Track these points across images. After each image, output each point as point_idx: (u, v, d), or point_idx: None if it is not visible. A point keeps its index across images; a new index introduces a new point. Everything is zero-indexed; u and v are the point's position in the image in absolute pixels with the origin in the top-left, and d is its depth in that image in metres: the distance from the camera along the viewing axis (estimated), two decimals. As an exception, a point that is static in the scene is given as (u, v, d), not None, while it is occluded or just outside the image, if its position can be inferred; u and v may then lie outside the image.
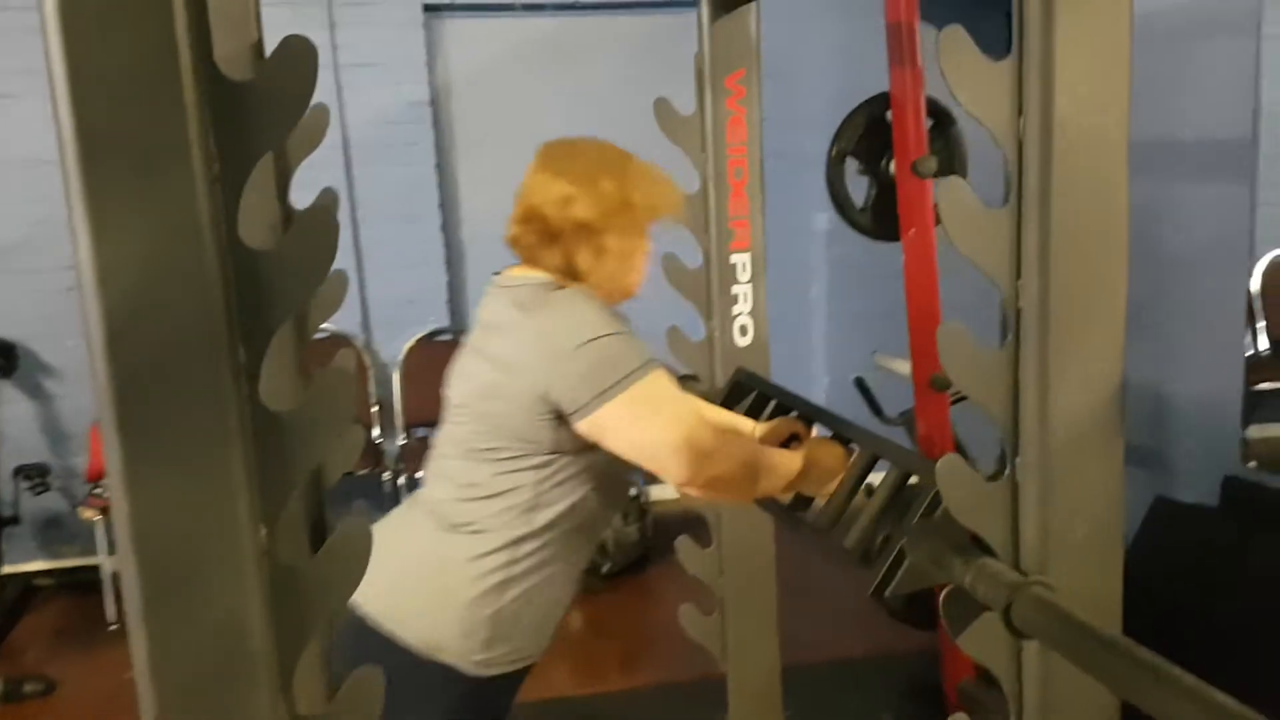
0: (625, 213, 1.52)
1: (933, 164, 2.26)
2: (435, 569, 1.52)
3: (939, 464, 1.15)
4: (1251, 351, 3.12)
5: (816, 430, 1.74)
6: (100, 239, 0.65)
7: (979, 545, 1.20)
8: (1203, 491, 2.56)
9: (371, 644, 1.46)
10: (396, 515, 1.66)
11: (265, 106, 0.73)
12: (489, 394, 1.51)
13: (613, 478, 1.58)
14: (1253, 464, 2.75)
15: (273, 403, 0.74)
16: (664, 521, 3.96)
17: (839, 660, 3.13)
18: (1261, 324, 3.23)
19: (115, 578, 3.49)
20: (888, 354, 2.68)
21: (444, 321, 4.47)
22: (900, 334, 2.50)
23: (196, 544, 0.72)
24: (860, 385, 2.94)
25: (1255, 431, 2.90)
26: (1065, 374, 1.13)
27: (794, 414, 1.78)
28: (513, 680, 1.57)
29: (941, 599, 1.16)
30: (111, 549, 3.46)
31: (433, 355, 4.43)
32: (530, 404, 1.46)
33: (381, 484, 4.15)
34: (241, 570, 0.74)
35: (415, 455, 4.19)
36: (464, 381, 1.58)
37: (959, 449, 2.48)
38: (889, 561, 1.30)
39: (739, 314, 2.19)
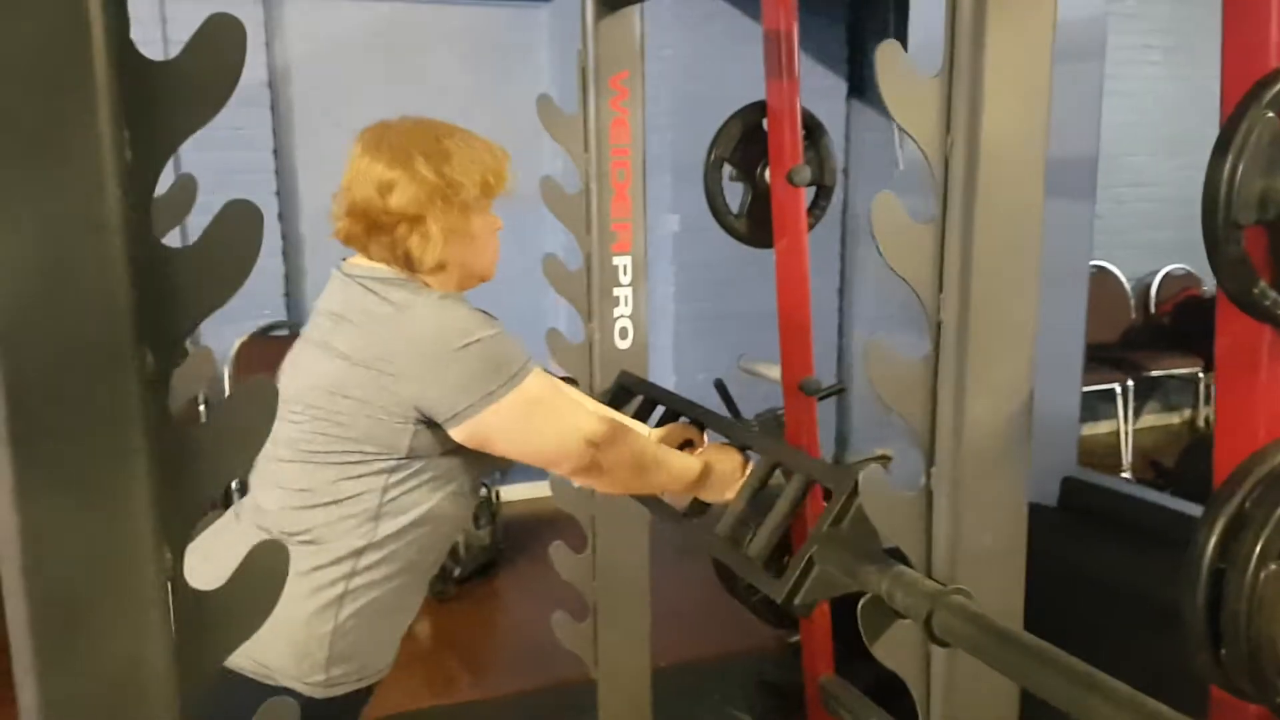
0: (450, 191, 1.42)
1: (807, 173, 2.31)
2: None
3: (862, 475, 1.17)
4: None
5: (708, 435, 1.74)
6: (-7, 232, 0.57)
7: (889, 553, 1.23)
8: (1042, 492, 2.72)
9: None
10: (219, 526, 1.52)
11: (187, 90, 0.66)
12: (335, 390, 1.38)
13: (469, 480, 1.51)
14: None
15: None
16: (515, 524, 3.90)
17: (693, 661, 3.16)
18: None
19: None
20: (752, 358, 2.72)
21: (280, 315, 4.26)
22: (748, 337, 2.54)
23: (96, 570, 0.64)
24: (720, 387, 2.97)
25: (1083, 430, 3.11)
26: (980, 386, 1.16)
27: (684, 420, 1.77)
28: (356, 700, 1.47)
29: (859, 607, 1.17)
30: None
31: (267, 351, 4.21)
32: (393, 409, 1.37)
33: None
34: (144, 600, 0.66)
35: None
36: (303, 376, 1.43)
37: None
38: (799, 570, 1.31)
39: (620, 316, 2.18)
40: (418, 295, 1.41)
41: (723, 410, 3.05)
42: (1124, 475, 4.84)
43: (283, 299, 4.27)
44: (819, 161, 2.43)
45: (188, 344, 3.63)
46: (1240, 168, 1.14)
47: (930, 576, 1.19)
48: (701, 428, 1.74)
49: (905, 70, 1.09)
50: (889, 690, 1.30)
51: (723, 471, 1.58)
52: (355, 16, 4.27)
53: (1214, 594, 1.22)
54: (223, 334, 4.18)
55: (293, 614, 1.38)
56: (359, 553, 1.41)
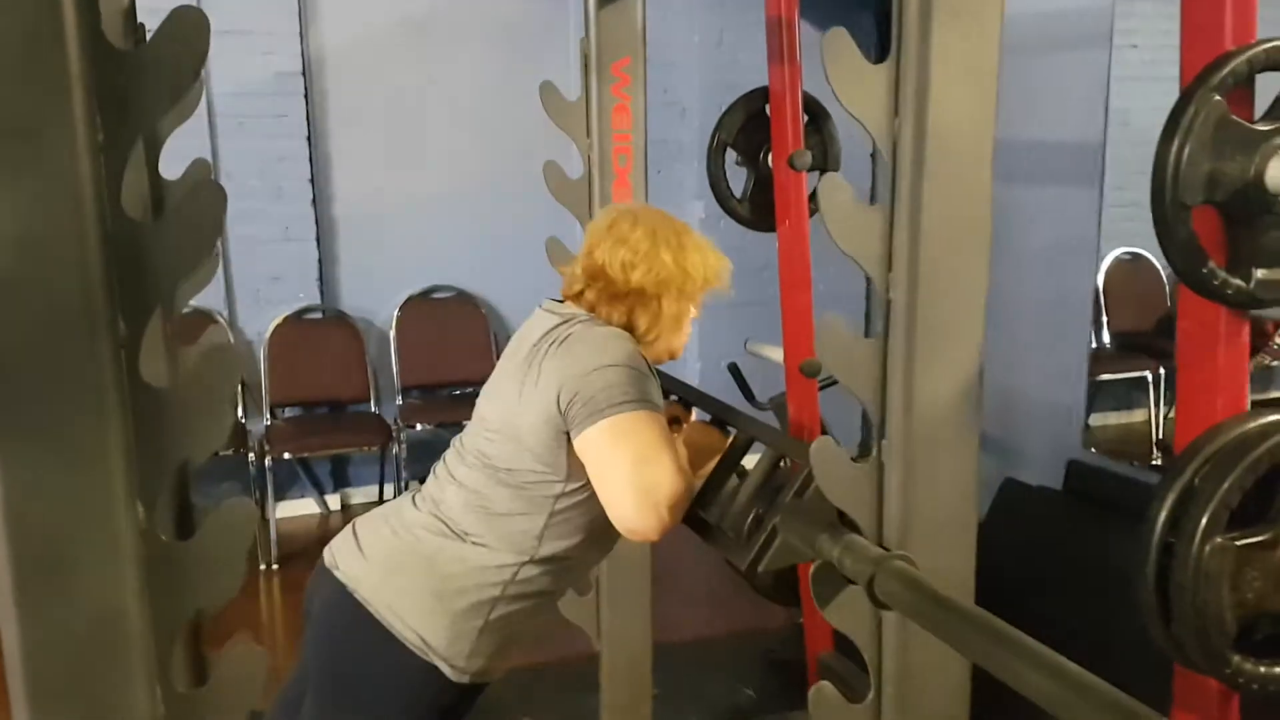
0: (681, 282, 1.61)
1: (808, 158, 2.35)
2: (437, 572, 1.54)
3: (812, 446, 1.22)
4: (1095, 345, 3.35)
5: (695, 414, 1.79)
6: (-24, 207, 0.62)
7: (846, 524, 1.27)
8: (1048, 475, 2.74)
9: (363, 623, 1.51)
10: (399, 508, 1.65)
11: (153, 77, 0.72)
12: (522, 411, 1.54)
13: (609, 523, 1.57)
14: (1092, 450, 2.95)
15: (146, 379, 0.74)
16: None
17: (704, 639, 3.22)
18: (1105, 319, 3.47)
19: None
20: (759, 341, 2.77)
21: (314, 299, 4.37)
22: (771, 323, 2.58)
23: (73, 524, 0.71)
24: (734, 371, 3.02)
25: (1097, 420, 3.11)
26: (930, 362, 1.20)
27: (674, 398, 1.83)
28: (475, 693, 1.60)
29: (811, 573, 1.22)
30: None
31: (302, 334, 4.32)
32: (548, 416, 1.50)
33: (248, 464, 4.04)
34: (119, 551, 0.73)
35: (281, 436, 4.09)
36: (498, 399, 1.61)
37: (825, 432, 2.58)
38: (762, 539, 1.36)
39: (620, 298, 2.23)
40: (600, 327, 1.59)
41: (738, 394, 3.10)
42: (1155, 463, 4.80)
43: (316, 283, 4.37)
44: (822, 146, 2.47)
45: (225, 326, 3.71)
46: (1186, 150, 1.17)
47: (882, 545, 1.24)
48: (689, 406, 1.80)
49: (852, 58, 1.14)
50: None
51: (701, 447, 1.65)
52: (389, 5, 4.35)
53: (1164, 567, 1.26)
54: (260, 317, 4.29)
55: (458, 603, 1.53)
56: (522, 565, 1.56)
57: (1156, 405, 4.99)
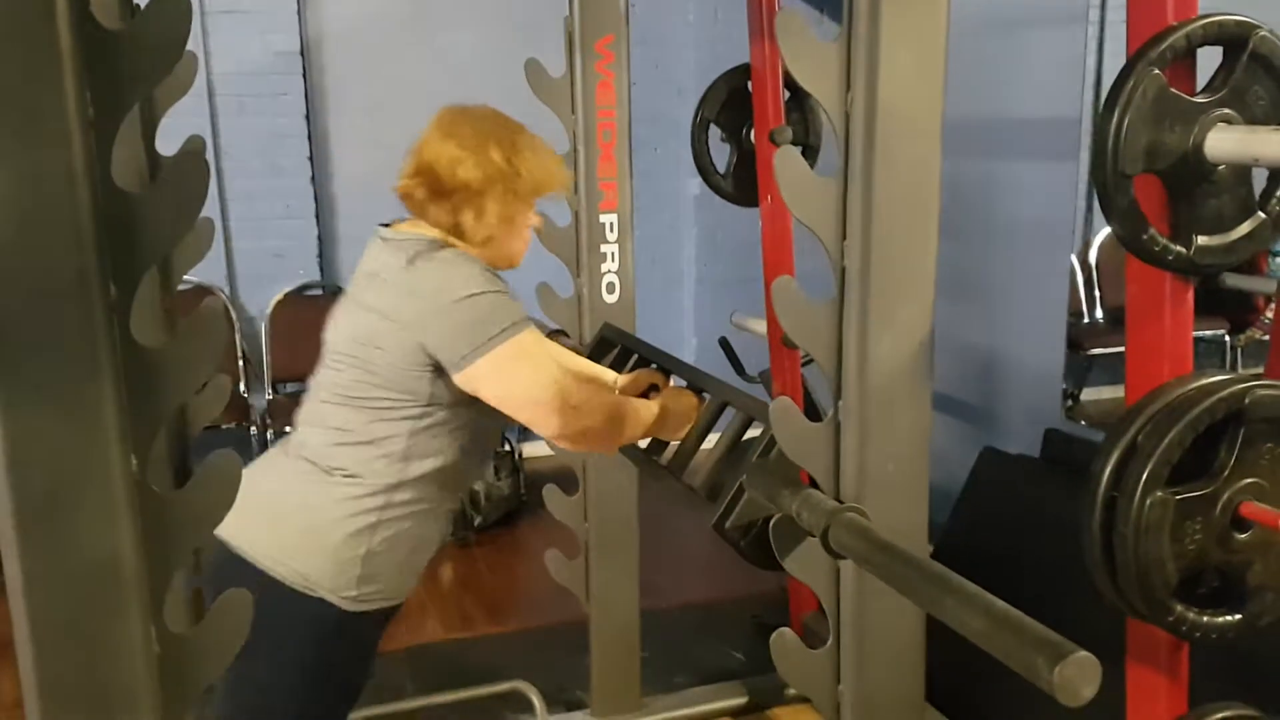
0: (510, 181, 1.60)
1: (789, 134, 2.40)
2: (310, 509, 1.58)
3: (771, 406, 1.28)
4: (1088, 320, 3.40)
5: (674, 380, 1.86)
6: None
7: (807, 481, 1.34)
8: (1027, 443, 2.80)
9: (247, 576, 1.51)
10: (269, 457, 1.72)
11: (139, 54, 0.77)
12: (369, 342, 1.56)
13: (485, 432, 1.67)
14: (1082, 423, 3.01)
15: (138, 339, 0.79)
16: (536, 477, 4.05)
17: (692, 604, 3.30)
18: (1099, 295, 3.51)
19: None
20: (745, 315, 2.83)
21: (314, 275, 4.43)
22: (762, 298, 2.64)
23: (70, 473, 0.76)
24: (725, 345, 3.07)
25: (1090, 394, 3.17)
26: (882, 326, 1.27)
27: (653, 366, 1.89)
28: (381, 617, 1.65)
29: (771, 526, 1.29)
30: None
31: (302, 310, 4.37)
32: (410, 354, 1.53)
33: (249, 438, 4.11)
34: (114, 499, 0.78)
35: (283, 410, 4.16)
36: (342, 330, 1.63)
37: (810, 402, 2.65)
38: (730, 497, 1.43)
39: (607, 272, 2.29)
40: (440, 252, 1.58)
41: (729, 367, 3.16)
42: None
43: (316, 260, 4.43)
44: (804, 122, 2.52)
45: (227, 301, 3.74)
46: (1126, 121, 1.23)
47: (839, 500, 1.31)
48: (667, 373, 1.87)
49: (805, 35, 1.19)
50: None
51: (677, 411, 1.71)
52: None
53: (1108, 521, 1.32)
54: (261, 293, 4.36)
55: (334, 536, 1.56)
56: (391, 489, 1.58)
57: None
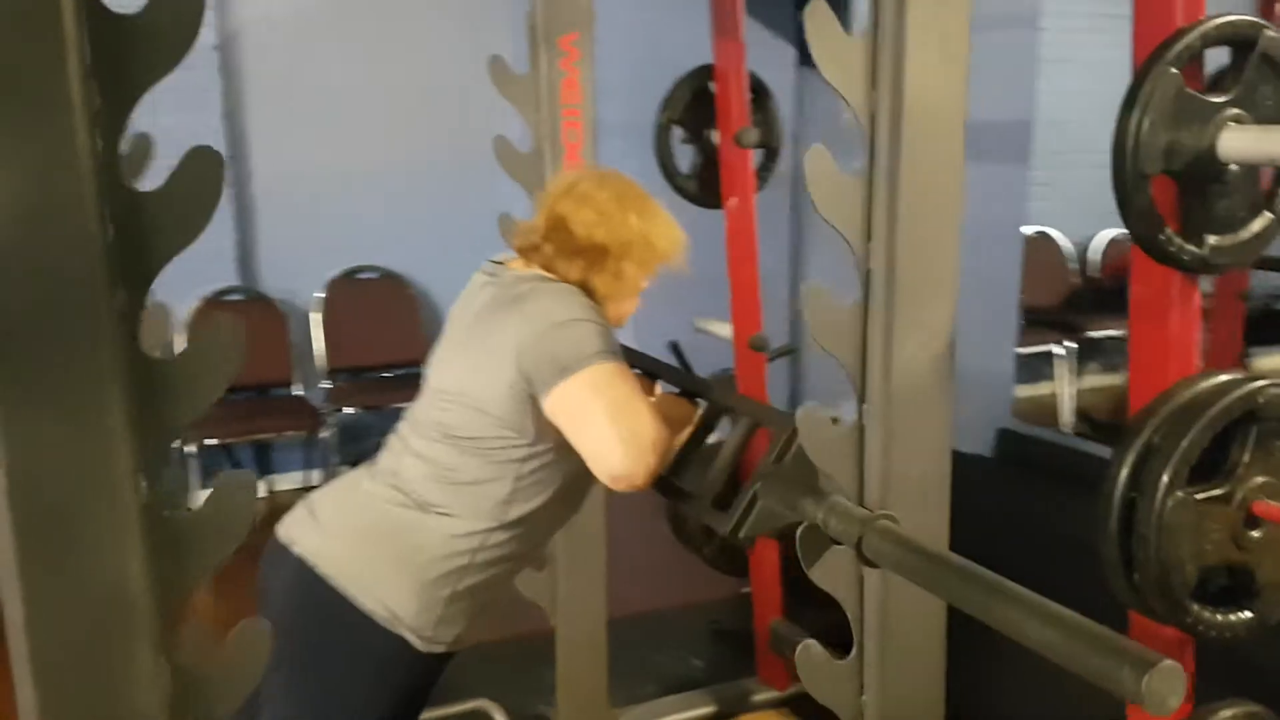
0: (643, 248, 1.59)
1: (754, 135, 2.38)
2: (403, 543, 1.52)
3: (798, 412, 1.25)
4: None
5: (660, 387, 1.81)
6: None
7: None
8: (980, 443, 2.84)
9: (329, 602, 1.48)
10: (355, 482, 1.62)
11: (151, 43, 0.71)
12: (477, 378, 1.52)
13: (580, 479, 1.59)
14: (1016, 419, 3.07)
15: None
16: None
17: (651, 612, 3.26)
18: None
19: None
20: (706, 318, 2.80)
21: (233, 280, 4.25)
22: (704, 300, 2.60)
23: (75, 496, 0.70)
24: (674, 348, 3.04)
25: (1022, 391, 3.24)
26: (907, 329, 1.25)
27: (637, 372, 1.84)
28: (445, 662, 1.59)
29: (799, 535, 1.26)
30: None
31: (221, 316, 4.20)
32: (511, 380, 1.48)
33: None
34: (122, 523, 0.72)
35: (204, 422, 3.98)
36: (450, 368, 1.60)
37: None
38: (744, 505, 1.39)
39: (572, 274, 2.23)
40: (548, 284, 1.55)
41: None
42: (1067, 431, 4.98)
43: (234, 264, 4.25)
44: (766, 124, 2.50)
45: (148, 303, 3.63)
46: (1145, 121, 1.23)
47: (864, 506, 1.28)
48: (654, 379, 1.82)
49: (833, 31, 1.16)
50: (836, 634, 1.39)
51: (673, 419, 1.66)
52: (308, -24, 4.24)
53: (1126, 521, 1.31)
54: (177, 300, 4.16)
55: (426, 573, 1.52)
56: (489, 531, 1.54)
57: (1064, 378, 5.19)
